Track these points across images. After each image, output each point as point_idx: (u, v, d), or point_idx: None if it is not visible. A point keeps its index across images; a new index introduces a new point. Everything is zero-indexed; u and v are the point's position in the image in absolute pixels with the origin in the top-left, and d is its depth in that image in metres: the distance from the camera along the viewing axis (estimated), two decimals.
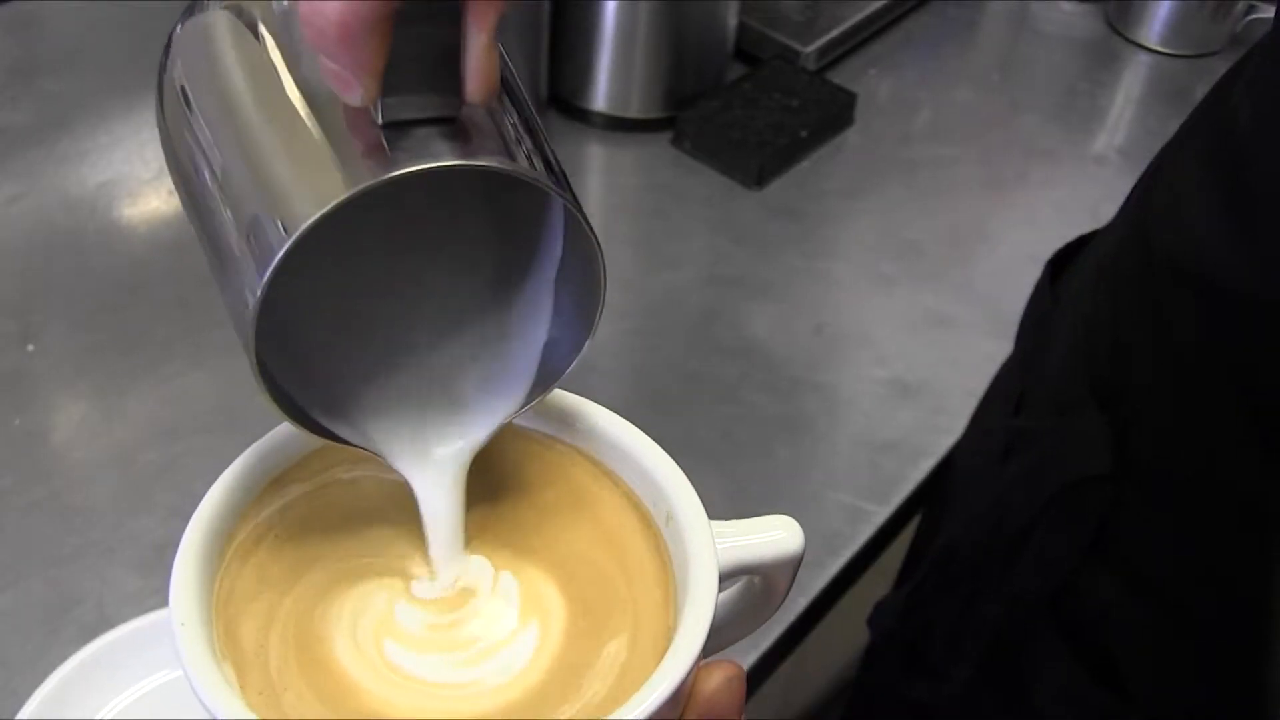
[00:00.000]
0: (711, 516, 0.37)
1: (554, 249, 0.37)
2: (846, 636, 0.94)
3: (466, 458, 0.38)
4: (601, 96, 1.15)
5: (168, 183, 1.04)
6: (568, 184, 0.35)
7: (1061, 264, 0.80)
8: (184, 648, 0.33)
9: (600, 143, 1.17)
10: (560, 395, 0.40)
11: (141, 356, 0.91)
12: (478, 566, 0.37)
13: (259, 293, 0.31)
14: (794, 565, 0.39)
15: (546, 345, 0.39)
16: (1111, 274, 0.69)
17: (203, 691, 0.32)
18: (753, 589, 0.41)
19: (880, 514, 0.87)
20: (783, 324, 1.01)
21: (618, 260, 1.08)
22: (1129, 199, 0.71)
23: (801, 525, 0.46)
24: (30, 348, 0.91)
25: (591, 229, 0.35)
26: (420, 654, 0.35)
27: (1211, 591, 0.65)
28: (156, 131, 0.36)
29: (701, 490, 0.38)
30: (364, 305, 0.38)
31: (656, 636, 0.35)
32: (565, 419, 0.40)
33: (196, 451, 0.82)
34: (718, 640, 0.41)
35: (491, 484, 0.39)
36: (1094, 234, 0.78)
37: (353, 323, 0.38)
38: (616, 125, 1.16)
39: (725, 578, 0.37)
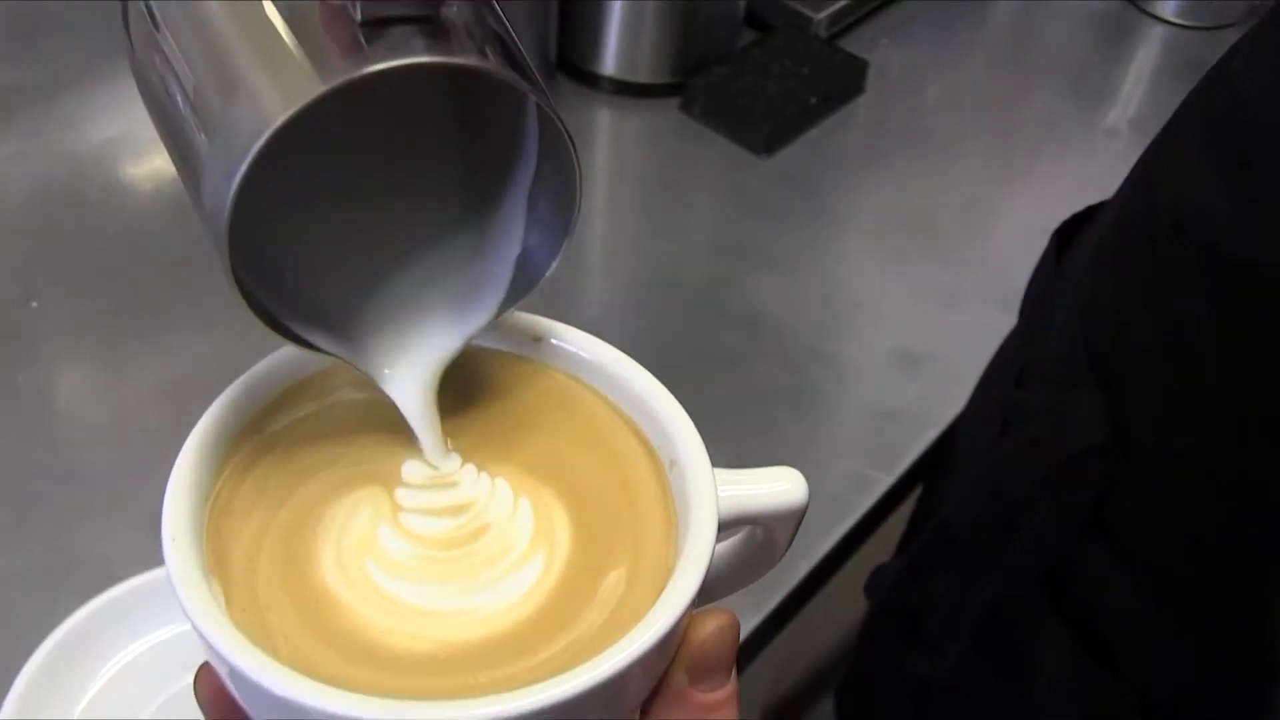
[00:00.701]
0: None
1: (529, 157, 0.37)
2: (848, 604, 0.94)
3: (440, 366, 0.39)
4: (610, 61, 1.15)
5: None
6: (543, 89, 0.35)
7: (1068, 236, 0.80)
8: (172, 562, 0.33)
9: (608, 108, 1.16)
10: (574, 333, 0.40)
11: (145, 316, 0.91)
12: (500, 491, 0.37)
13: (232, 191, 0.31)
14: (796, 517, 0.38)
15: (522, 254, 0.39)
16: (1113, 245, 0.69)
17: (188, 606, 0.32)
18: (755, 540, 0.40)
19: (884, 482, 0.87)
20: (790, 293, 1.00)
21: (624, 226, 1.08)
22: (1134, 170, 0.71)
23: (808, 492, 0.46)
24: (34, 305, 0.91)
25: (568, 132, 0.35)
26: (419, 581, 0.35)
27: (1206, 570, 0.65)
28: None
29: (709, 453, 0.38)
30: (338, 215, 0.38)
31: (656, 574, 0.35)
32: (579, 358, 0.40)
33: (199, 411, 0.81)
34: (717, 590, 0.41)
35: (508, 413, 0.39)
36: (1100, 205, 0.77)
37: (327, 233, 0.38)
38: (625, 90, 1.16)
39: (727, 525, 0.36)
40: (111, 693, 0.68)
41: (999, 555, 0.73)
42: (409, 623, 0.34)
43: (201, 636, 0.32)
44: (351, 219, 0.38)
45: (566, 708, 0.31)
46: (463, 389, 0.40)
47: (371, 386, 0.39)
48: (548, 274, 0.38)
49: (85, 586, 0.71)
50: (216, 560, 0.35)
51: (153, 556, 0.70)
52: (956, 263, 1.05)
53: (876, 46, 1.25)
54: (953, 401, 0.91)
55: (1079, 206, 0.80)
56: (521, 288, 0.39)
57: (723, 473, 0.37)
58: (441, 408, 0.39)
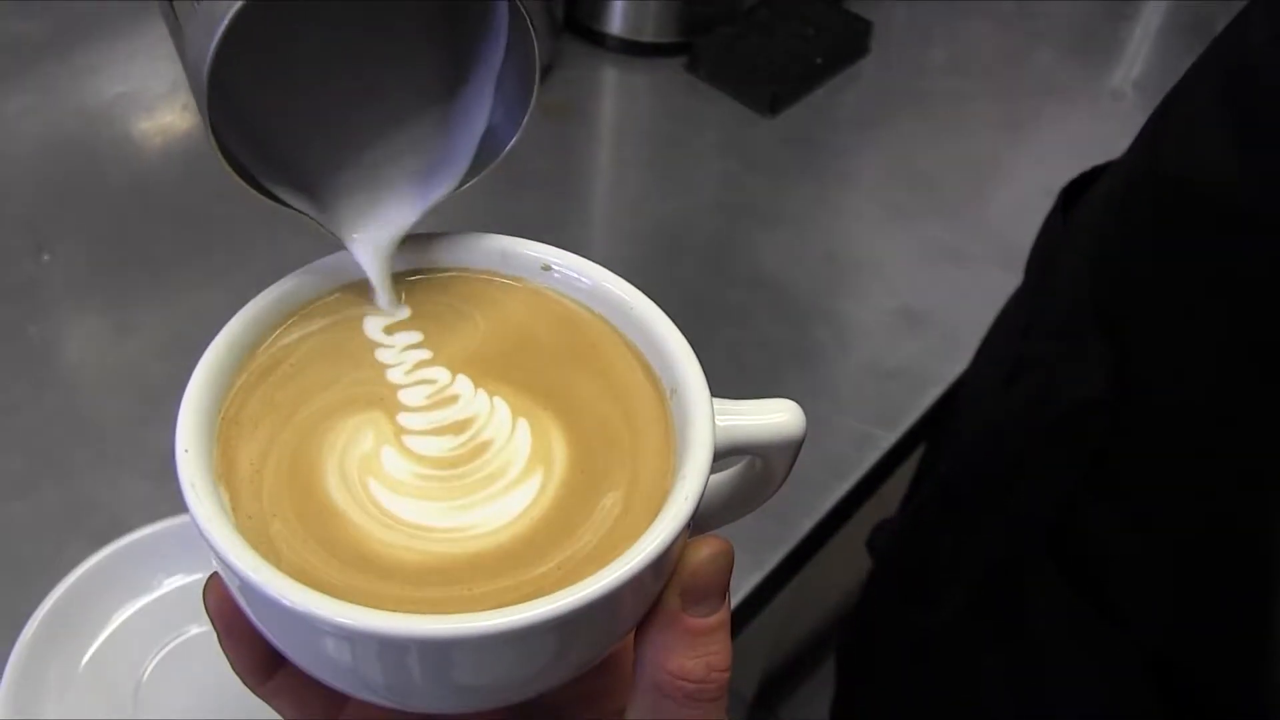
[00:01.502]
0: None
1: (499, 41, 0.39)
2: (851, 562, 0.94)
3: (401, 232, 0.41)
4: (617, 20, 1.15)
5: (183, 96, 1.05)
6: None
7: (1074, 194, 0.80)
8: (183, 472, 0.34)
9: (614, 67, 1.16)
10: (582, 262, 0.41)
11: (155, 268, 0.91)
12: (499, 411, 0.38)
13: (214, 43, 0.32)
14: (794, 448, 0.39)
15: (486, 131, 0.40)
16: (1121, 201, 0.69)
17: (196, 515, 0.33)
18: (753, 470, 0.41)
19: (887, 439, 0.88)
20: (794, 252, 1.01)
21: (630, 185, 1.08)
22: (1144, 128, 0.71)
23: (809, 451, 0.46)
24: (45, 257, 0.91)
25: (529, 18, 0.37)
26: (418, 498, 0.36)
27: (1209, 521, 0.65)
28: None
29: None
30: (317, 86, 0.39)
31: (651, 496, 0.35)
32: (586, 286, 0.41)
33: None
34: (715, 519, 0.42)
35: (512, 336, 0.40)
36: (1107, 165, 0.78)
37: (306, 101, 0.39)
38: (631, 50, 1.16)
39: (724, 454, 0.37)
40: (117, 641, 0.68)
41: (1001, 507, 0.73)
42: (407, 536, 0.35)
43: (209, 544, 0.33)
44: (329, 90, 0.40)
45: (560, 623, 0.32)
46: (469, 314, 0.41)
47: (376, 307, 0.40)
48: (508, 148, 0.40)
49: (94, 535, 0.71)
50: (225, 468, 0.36)
51: (161, 506, 0.71)
52: (960, 222, 1.05)
53: (881, 7, 1.25)
54: (955, 360, 0.92)
55: (1084, 167, 0.80)
56: (483, 162, 0.40)
57: (722, 403, 0.38)
58: (445, 329, 0.40)
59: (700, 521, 0.36)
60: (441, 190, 0.41)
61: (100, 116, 1.03)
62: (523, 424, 0.38)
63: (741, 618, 0.80)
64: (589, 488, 0.36)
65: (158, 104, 1.05)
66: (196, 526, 0.33)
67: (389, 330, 0.40)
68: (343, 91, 0.40)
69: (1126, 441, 0.66)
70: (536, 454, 0.37)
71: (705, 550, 0.36)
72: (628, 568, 0.32)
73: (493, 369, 0.39)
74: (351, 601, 0.32)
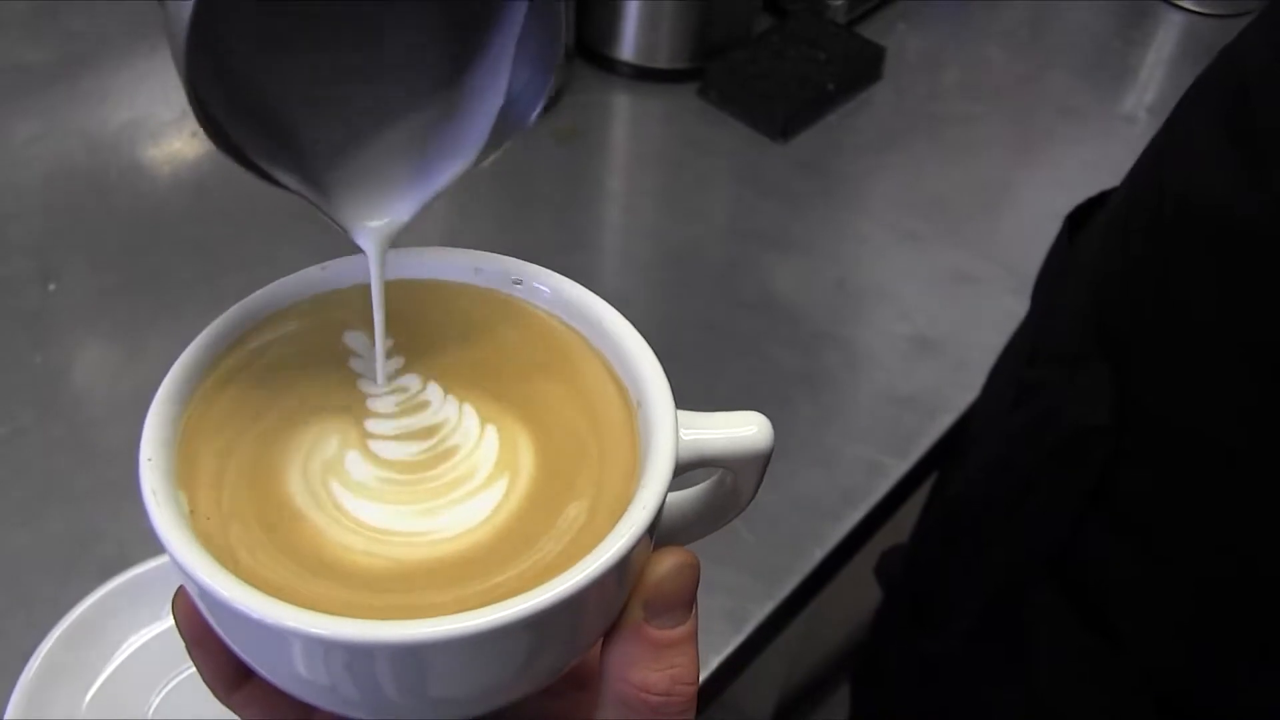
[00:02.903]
0: None
1: (517, 7, 0.37)
2: (863, 591, 0.94)
3: (408, 216, 0.39)
4: (629, 46, 1.15)
5: (190, 124, 1.04)
6: None
7: (1080, 220, 0.80)
8: (145, 481, 0.34)
9: (626, 92, 1.16)
10: (554, 276, 0.41)
11: (162, 297, 0.91)
12: (467, 418, 0.38)
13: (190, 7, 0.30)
14: (761, 462, 0.38)
15: (506, 104, 0.39)
16: (1123, 222, 0.69)
17: (156, 523, 0.33)
18: (723, 485, 0.41)
19: (899, 468, 0.87)
20: (805, 278, 1.00)
21: (641, 210, 1.08)
22: (1145, 150, 0.71)
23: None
24: (52, 287, 0.91)
25: None
26: (381, 502, 0.35)
27: (1212, 547, 0.65)
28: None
29: None
30: (315, 56, 0.38)
31: (615, 507, 0.35)
32: (558, 298, 0.41)
33: None
34: (685, 534, 0.42)
35: (483, 344, 0.40)
36: (1114, 190, 0.78)
37: (303, 73, 0.38)
38: (643, 75, 1.16)
39: (691, 466, 0.37)
40: (123, 676, 0.68)
41: (1006, 532, 0.73)
42: (368, 541, 0.34)
43: (167, 552, 0.33)
44: (331, 61, 0.38)
45: (516, 629, 0.31)
46: (440, 321, 0.40)
47: (349, 311, 0.40)
48: (534, 116, 0.38)
49: (101, 565, 0.71)
50: (186, 472, 0.35)
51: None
52: (973, 247, 1.04)
53: (894, 32, 1.25)
54: (967, 387, 0.91)
55: (1095, 191, 0.80)
56: (502, 135, 0.39)
57: (690, 415, 0.37)
58: (418, 338, 0.40)
59: (670, 536, 0.36)
60: (454, 169, 0.39)
61: (107, 144, 1.03)
62: (491, 430, 0.37)
63: (755, 646, 0.79)
64: (554, 496, 0.36)
65: (165, 132, 1.04)
66: (155, 534, 0.33)
67: (364, 338, 0.40)
68: (346, 62, 0.38)
69: (1130, 466, 0.66)
70: (503, 460, 0.37)
71: (669, 561, 0.35)
72: (588, 571, 0.32)
73: (464, 377, 0.39)
74: (309, 606, 0.31)
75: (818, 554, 0.82)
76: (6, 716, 0.64)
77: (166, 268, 0.93)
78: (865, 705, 1.01)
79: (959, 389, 0.92)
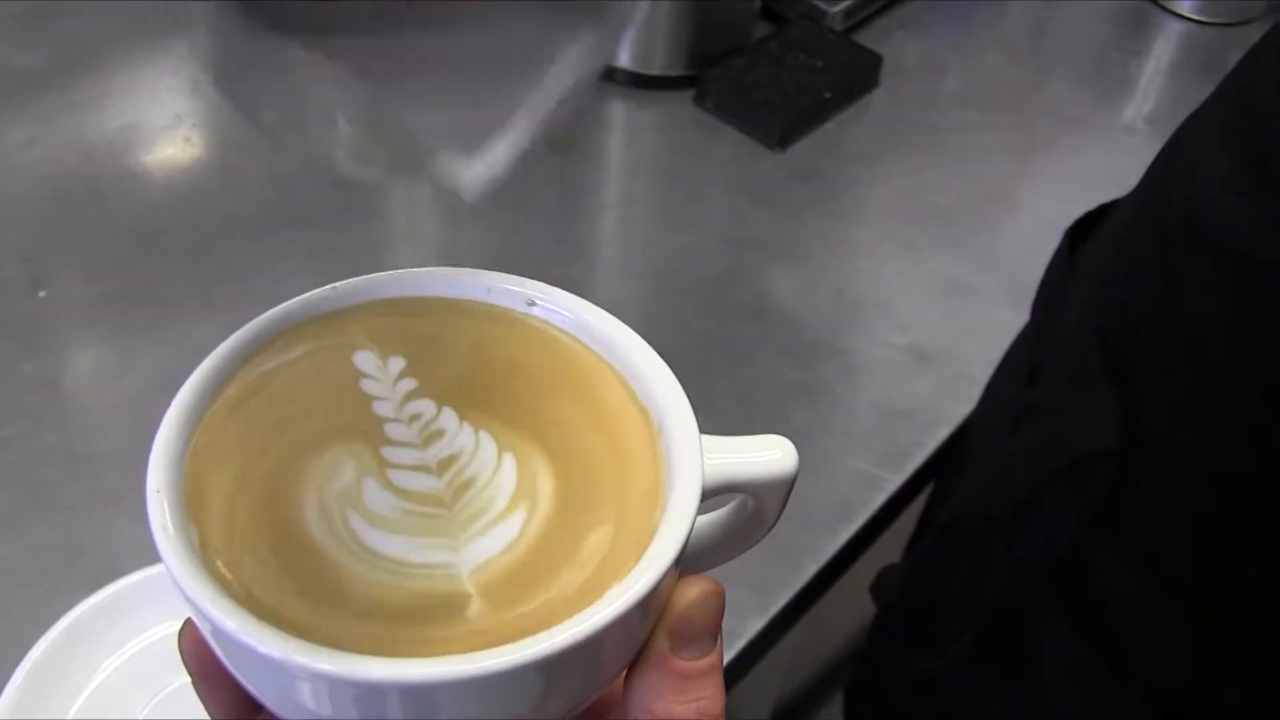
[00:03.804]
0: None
1: None
2: (857, 605, 0.93)
3: None
4: (625, 53, 1.14)
5: (184, 130, 1.04)
6: None
7: (1081, 233, 0.79)
8: (154, 514, 0.33)
9: (622, 100, 1.15)
10: (569, 297, 0.40)
11: (154, 305, 0.91)
12: (484, 446, 0.37)
13: None
14: (786, 487, 0.38)
15: None
16: (1128, 242, 0.69)
17: (166, 557, 0.32)
18: (745, 510, 0.40)
19: (894, 481, 0.86)
20: (802, 288, 1.00)
21: (636, 219, 1.07)
22: (1150, 168, 0.71)
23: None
24: (42, 294, 0.90)
25: None
26: (397, 534, 0.35)
27: (1217, 568, 0.65)
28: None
29: None
30: None
31: (639, 536, 0.34)
32: (574, 319, 0.40)
33: None
34: (706, 560, 0.41)
35: (497, 364, 0.39)
36: (1114, 203, 0.77)
37: None
38: (639, 82, 1.15)
39: (715, 492, 0.36)
40: (108, 690, 0.67)
41: (1007, 552, 0.72)
42: (385, 573, 0.34)
43: (179, 587, 0.32)
44: None
45: (541, 666, 0.31)
46: (453, 342, 0.40)
47: (359, 332, 0.39)
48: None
49: (88, 577, 0.71)
50: (195, 503, 0.34)
51: (156, 549, 0.71)
52: (971, 258, 1.04)
53: (891, 40, 1.24)
54: (964, 400, 0.91)
55: (1095, 201, 0.80)
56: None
57: (713, 440, 0.37)
58: (431, 360, 0.39)
59: (691, 562, 0.35)
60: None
61: (101, 150, 1.02)
62: (509, 459, 0.37)
63: (747, 661, 0.79)
64: (574, 525, 0.35)
65: (159, 138, 1.04)
66: (167, 570, 0.32)
67: (376, 359, 0.39)
68: None
69: (1133, 487, 0.66)
70: (522, 489, 0.36)
71: (694, 590, 0.35)
72: (612, 609, 0.32)
73: (479, 401, 0.38)
74: (326, 643, 0.31)
75: (811, 568, 0.81)
76: None
77: (159, 275, 0.93)
78: None
79: (956, 401, 0.91)
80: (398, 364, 0.38)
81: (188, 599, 0.32)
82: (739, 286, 0.99)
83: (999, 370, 0.86)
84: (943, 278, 1.02)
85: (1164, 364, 0.64)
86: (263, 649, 0.31)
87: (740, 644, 0.77)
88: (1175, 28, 1.33)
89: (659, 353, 0.40)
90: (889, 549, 0.91)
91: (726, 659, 0.76)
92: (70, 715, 0.66)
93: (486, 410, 0.38)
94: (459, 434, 0.37)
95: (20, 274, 0.92)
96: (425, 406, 0.38)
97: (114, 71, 1.09)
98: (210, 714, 0.36)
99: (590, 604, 0.32)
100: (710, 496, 0.36)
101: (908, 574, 0.84)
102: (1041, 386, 0.75)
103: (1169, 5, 1.33)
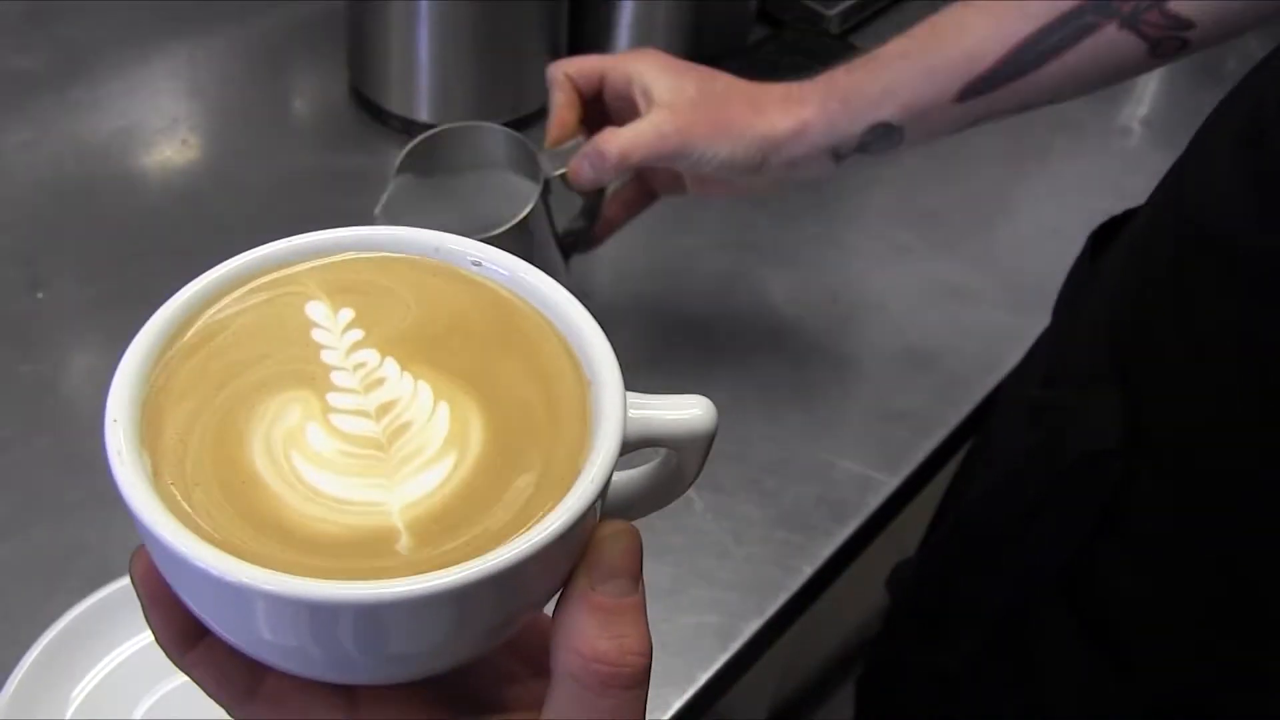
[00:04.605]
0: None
1: None
2: (853, 606, 0.93)
3: None
4: None
5: (180, 132, 1.04)
6: None
7: (1104, 239, 0.80)
8: (110, 441, 0.35)
9: None
10: (511, 258, 0.42)
11: (151, 307, 0.90)
12: (422, 394, 0.39)
13: None
14: (704, 443, 0.40)
15: None
16: (1142, 247, 0.69)
17: (119, 480, 0.34)
18: (668, 466, 0.43)
19: (890, 484, 0.87)
20: (798, 291, 1.00)
21: (634, 222, 1.07)
22: (1165, 177, 0.71)
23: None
24: (40, 295, 0.91)
25: None
26: (338, 474, 0.37)
27: (1222, 570, 0.65)
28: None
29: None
30: None
31: (564, 479, 0.36)
32: (517, 279, 0.42)
33: None
34: (632, 511, 0.43)
35: (440, 318, 0.41)
36: (1138, 210, 0.78)
37: None
38: None
39: (637, 445, 0.39)
40: (105, 689, 0.68)
41: (1015, 551, 0.73)
42: (326, 509, 0.36)
43: (129, 510, 0.34)
44: None
45: (462, 594, 0.33)
46: (401, 297, 0.41)
47: (314, 284, 0.41)
48: None
49: (84, 578, 0.71)
50: (151, 436, 0.36)
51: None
52: (965, 261, 1.04)
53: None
54: (959, 402, 0.91)
55: (1090, 204, 0.80)
56: None
57: (639, 396, 0.39)
58: (377, 311, 0.40)
59: (617, 513, 0.38)
60: None
61: (97, 152, 1.03)
62: (444, 406, 0.38)
63: (744, 662, 0.79)
64: (503, 469, 0.37)
65: (156, 140, 1.04)
66: (118, 493, 0.34)
67: (327, 310, 0.40)
68: None
69: (1139, 488, 0.66)
70: (454, 435, 0.38)
71: (608, 529, 0.37)
72: (530, 544, 0.34)
73: (420, 352, 0.40)
74: (267, 568, 0.33)
75: (807, 570, 0.81)
76: None
77: (156, 277, 0.92)
78: (869, 717, 1.01)
79: (951, 404, 0.92)
80: (347, 315, 0.40)
81: (138, 521, 0.34)
82: (735, 289, 1.00)
83: (1016, 371, 0.87)
84: (938, 281, 1.02)
85: (1172, 366, 0.65)
86: (208, 569, 0.33)
87: (736, 646, 0.77)
88: None
89: (655, 354, 0.41)
90: (884, 551, 0.91)
91: (723, 660, 0.76)
92: (69, 714, 0.66)
93: (427, 361, 0.40)
94: (399, 382, 0.39)
95: (18, 275, 0.92)
96: (369, 356, 0.39)
97: (111, 74, 1.09)
98: (158, 638, 0.38)
99: (513, 538, 0.34)
100: (634, 448, 0.39)
101: (921, 569, 0.85)
102: (1056, 387, 0.75)
103: None
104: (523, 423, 0.38)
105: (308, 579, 0.33)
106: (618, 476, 0.40)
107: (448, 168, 0.83)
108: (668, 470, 0.43)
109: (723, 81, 0.82)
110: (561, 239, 0.85)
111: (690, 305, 0.98)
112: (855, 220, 1.09)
